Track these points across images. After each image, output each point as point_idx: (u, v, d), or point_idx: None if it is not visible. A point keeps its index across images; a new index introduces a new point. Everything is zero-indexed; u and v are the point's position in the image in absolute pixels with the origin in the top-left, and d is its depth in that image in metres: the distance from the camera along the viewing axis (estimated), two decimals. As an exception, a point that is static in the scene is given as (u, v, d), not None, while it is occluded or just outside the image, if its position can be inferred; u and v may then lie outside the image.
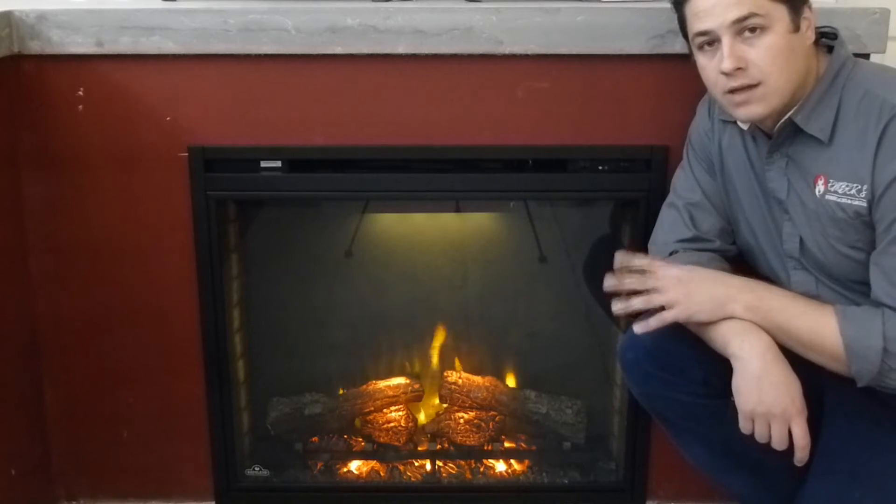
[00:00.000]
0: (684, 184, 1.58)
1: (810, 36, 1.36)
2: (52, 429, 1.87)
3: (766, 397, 1.35)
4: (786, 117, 1.38)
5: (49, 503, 1.90)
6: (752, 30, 1.32)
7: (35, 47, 1.63)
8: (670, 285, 1.42)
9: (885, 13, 1.60)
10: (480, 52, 1.64)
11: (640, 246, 1.74)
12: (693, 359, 1.45)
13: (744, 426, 1.39)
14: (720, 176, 1.54)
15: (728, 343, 1.40)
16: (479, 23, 1.62)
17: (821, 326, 1.35)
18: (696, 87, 1.51)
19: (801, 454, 1.36)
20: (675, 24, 1.48)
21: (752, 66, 1.33)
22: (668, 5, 1.48)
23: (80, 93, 1.68)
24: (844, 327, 1.32)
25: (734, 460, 1.55)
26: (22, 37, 1.62)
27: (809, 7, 1.35)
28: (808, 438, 1.36)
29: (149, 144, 1.71)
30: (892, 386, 1.32)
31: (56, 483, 1.90)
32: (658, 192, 1.72)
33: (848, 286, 1.42)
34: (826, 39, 1.42)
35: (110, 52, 1.64)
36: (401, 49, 1.63)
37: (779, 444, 1.37)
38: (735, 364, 1.39)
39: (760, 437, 1.38)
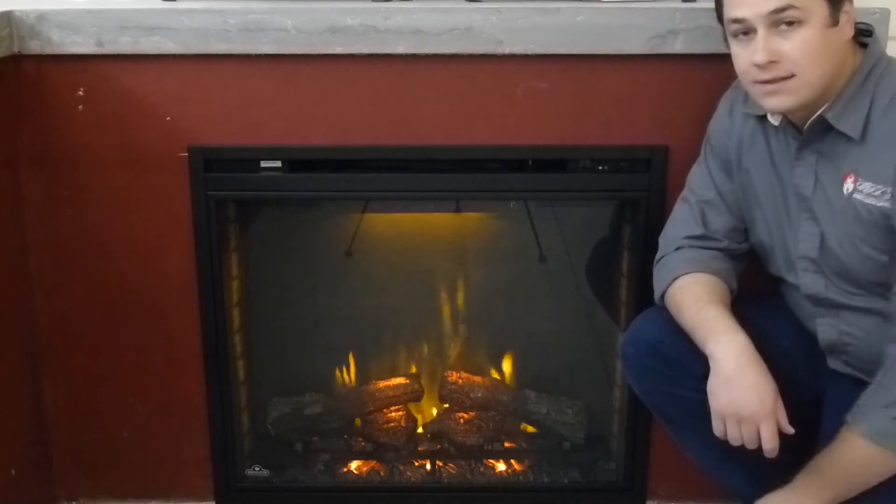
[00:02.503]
0: (699, 180, 1.58)
1: (849, 31, 1.34)
2: (52, 429, 1.87)
3: (735, 399, 1.36)
4: (817, 114, 1.37)
5: (49, 503, 1.90)
6: (790, 23, 1.30)
7: (35, 47, 1.63)
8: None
9: (885, 13, 1.60)
10: (480, 52, 1.64)
11: (641, 246, 1.75)
12: (693, 354, 1.45)
13: (716, 426, 1.41)
14: (737, 174, 1.54)
15: (705, 342, 1.41)
16: (479, 23, 1.62)
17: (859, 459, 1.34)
18: (697, 87, 1.52)
19: (769, 456, 1.37)
20: (676, 24, 1.48)
21: (786, 59, 1.32)
22: (669, 5, 1.47)
23: (80, 93, 1.68)
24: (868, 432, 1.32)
25: (734, 458, 1.55)
26: (22, 37, 1.62)
27: (850, 1, 1.33)
28: (775, 441, 1.36)
29: (149, 144, 1.71)
30: None
31: (56, 483, 1.90)
32: (658, 192, 1.72)
33: (864, 286, 1.41)
34: (861, 36, 1.41)
35: (110, 52, 1.64)
36: (401, 49, 1.63)
37: (749, 444, 1.38)
38: (711, 364, 1.40)
39: (732, 438, 1.39)
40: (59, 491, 1.91)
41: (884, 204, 1.32)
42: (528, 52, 1.64)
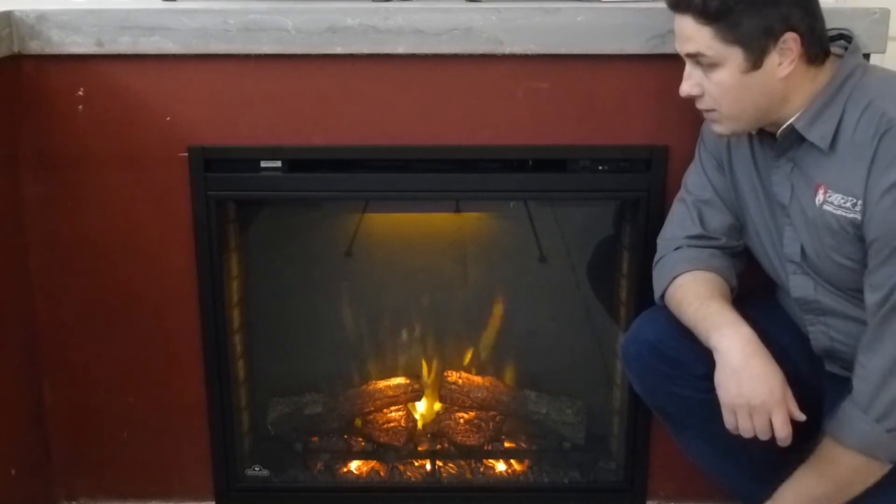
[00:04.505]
0: (695, 181, 1.58)
1: (785, 67, 1.33)
2: (52, 429, 1.87)
3: (744, 389, 1.36)
4: (787, 124, 1.37)
5: (49, 503, 1.90)
6: (707, 64, 1.36)
7: (35, 47, 1.63)
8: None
9: (885, 13, 1.60)
10: (480, 52, 1.64)
11: (641, 246, 1.75)
12: (695, 353, 1.46)
13: (727, 419, 1.40)
14: (728, 174, 1.55)
15: (709, 336, 1.41)
16: (479, 23, 1.62)
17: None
18: (696, 87, 1.51)
19: (782, 444, 1.38)
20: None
21: (707, 95, 1.39)
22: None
23: (80, 93, 1.68)
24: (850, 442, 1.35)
25: (734, 457, 1.56)
26: (22, 37, 1.62)
27: (797, 35, 1.31)
28: (788, 429, 1.36)
29: (149, 144, 1.71)
30: None
31: (56, 483, 1.90)
32: (658, 192, 1.72)
33: (845, 291, 1.42)
34: (844, 41, 1.41)
35: (110, 52, 1.64)
36: (401, 49, 1.63)
37: (762, 434, 1.38)
38: (716, 357, 1.40)
39: (744, 430, 1.38)
40: (59, 491, 1.91)
41: (854, 216, 1.33)
42: (528, 52, 1.64)
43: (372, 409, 2.11)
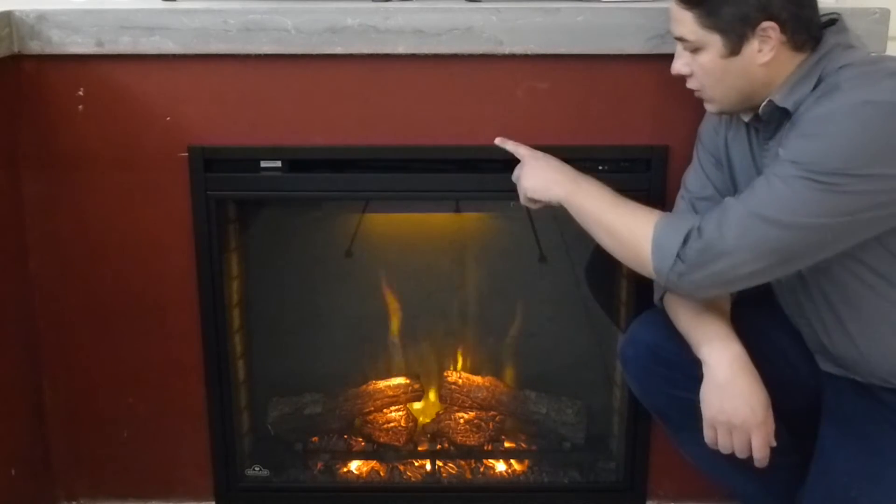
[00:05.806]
0: (694, 180, 1.58)
1: (765, 54, 1.33)
2: (52, 429, 1.87)
3: (727, 407, 1.37)
4: (767, 100, 1.37)
5: (49, 503, 1.91)
6: (691, 48, 1.38)
7: (35, 47, 1.63)
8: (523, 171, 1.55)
9: (885, 13, 1.60)
10: (480, 52, 1.64)
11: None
12: (692, 356, 1.45)
13: (707, 434, 1.42)
14: (727, 169, 1.55)
15: (699, 347, 1.42)
16: (479, 23, 1.62)
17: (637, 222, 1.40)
18: (696, 87, 1.52)
19: (759, 465, 1.39)
20: (675, 24, 1.48)
21: (694, 75, 1.40)
22: (668, 5, 1.48)
23: (80, 93, 1.68)
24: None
25: (733, 460, 1.55)
26: (22, 37, 1.62)
27: (776, 24, 1.31)
28: (766, 451, 1.38)
29: (149, 144, 1.71)
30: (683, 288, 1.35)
31: (56, 483, 1.91)
32: (658, 192, 1.72)
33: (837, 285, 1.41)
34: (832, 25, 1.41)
35: (110, 52, 1.64)
36: (401, 49, 1.63)
37: (739, 453, 1.39)
38: (704, 370, 1.41)
39: (723, 447, 1.40)
40: (59, 491, 1.91)
41: None
42: (528, 52, 1.64)
43: (372, 409, 2.11)
